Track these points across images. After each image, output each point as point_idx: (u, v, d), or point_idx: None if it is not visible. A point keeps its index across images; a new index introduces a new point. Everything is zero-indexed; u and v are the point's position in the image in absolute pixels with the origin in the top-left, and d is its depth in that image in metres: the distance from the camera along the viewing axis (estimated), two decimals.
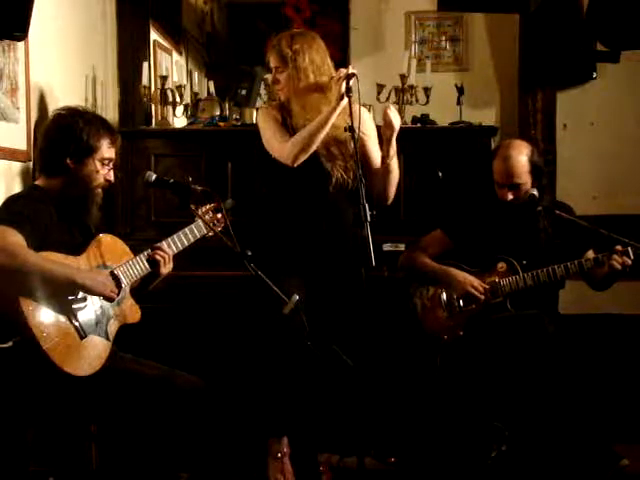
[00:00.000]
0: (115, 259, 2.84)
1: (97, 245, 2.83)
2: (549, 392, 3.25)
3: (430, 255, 3.56)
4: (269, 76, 4.54)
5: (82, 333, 2.67)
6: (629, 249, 3.28)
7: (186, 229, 3.00)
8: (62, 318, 2.62)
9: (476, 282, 3.44)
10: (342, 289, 3.30)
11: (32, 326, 2.53)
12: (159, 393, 2.77)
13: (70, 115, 2.85)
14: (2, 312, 2.56)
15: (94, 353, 2.70)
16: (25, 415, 2.72)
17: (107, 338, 2.77)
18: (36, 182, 2.90)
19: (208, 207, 3.04)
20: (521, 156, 3.40)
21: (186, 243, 2.99)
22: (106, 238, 2.89)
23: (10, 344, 2.54)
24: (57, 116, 2.89)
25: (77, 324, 2.66)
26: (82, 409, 2.75)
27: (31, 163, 3.46)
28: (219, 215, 3.05)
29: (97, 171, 2.83)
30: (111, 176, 2.89)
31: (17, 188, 3.33)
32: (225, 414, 3.29)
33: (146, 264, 2.89)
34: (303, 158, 3.17)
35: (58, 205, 2.81)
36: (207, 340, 3.80)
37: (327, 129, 3.15)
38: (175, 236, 2.98)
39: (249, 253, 2.77)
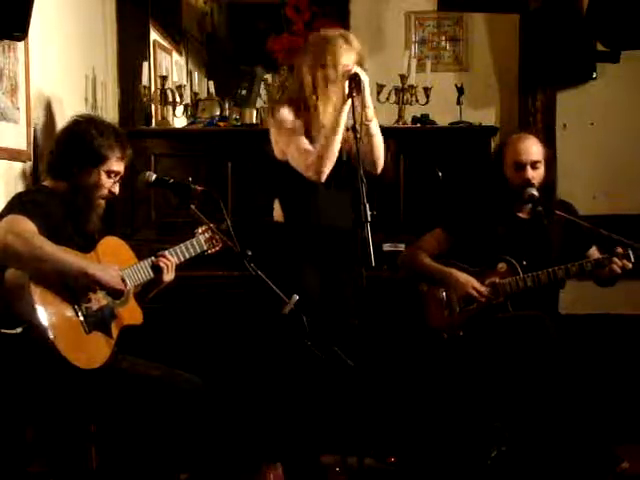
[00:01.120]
0: (120, 262, 2.85)
1: (104, 247, 2.85)
2: (549, 393, 3.25)
3: (430, 254, 3.56)
4: (269, 76, 4.55)
5: (87, 328, 2.69)
6: (630, 252, 3.28)
7: (187, 243, 3.05)
8: (69, 310, 2.65)
9: (477, 284, 3.44)
10: (344, 289, 3.31)
11: (40, 314, 2.55)
12: (159, 393, 2.77)
13: (85, 123, 2.89)
14: (12, 298, 2.58)
15: (98, 348, 2.73)
16: (27, 403, 2.73)
17: (110, 336, 2.79)
18: (43, 183, 2.92)
19: (205, 228, 3.06)
20: (535, 139, 3.52)
21: (187, 256, 3.04)
22: (112, 241, 2.92)
23: (19, 330, 2.56)
24: (73, 122, 2.91)
25: (83, 318, 2.68)
26: (83, 407, 2.75)
27: (31, 163, 3.46)
28: (216, 235, 3.06)
29: (102, 182, 2.86)
30: (116, 189, 2.91)
31: (17, 188, 3.33)
32: (225, 414, 3.30)
33: (150, 270, 2.92)
34: (329, 169, 3.19)
35: (65, 205, 2.82)
36: (207, 340, 3.80)
37: (341, 132, 3.16)
38: (177, 248, 3.02)
39: (249, 253, 2.77)
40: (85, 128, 2.86)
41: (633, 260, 3.29)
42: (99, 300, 2.75)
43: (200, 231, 3.09)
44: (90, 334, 2.70)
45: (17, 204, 2.72)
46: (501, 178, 3.51)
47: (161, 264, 2.93)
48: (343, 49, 3.25)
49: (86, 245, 2.83)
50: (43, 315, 2.56)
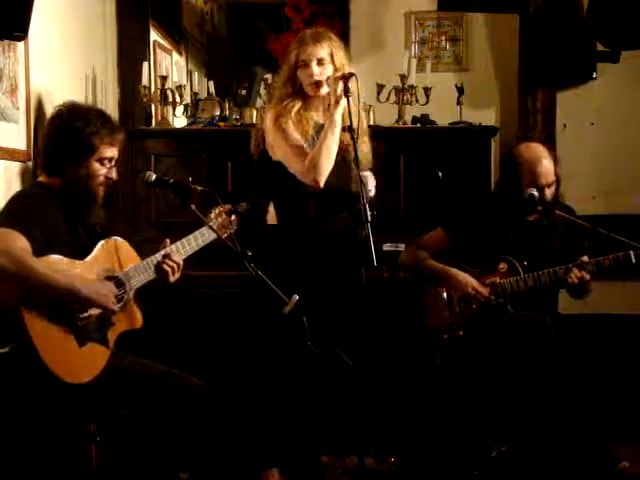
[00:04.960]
0: (122, 263, 2.80)
1: (104, 248, 2.78)
2: (549, 392, 3.25)
3: (431, 253, 3.56)
4: (269, 76, 4.55)
5: (81, 340, 2.63)
6: (631, 253, 3.28)
7: (197, 233, 2.93)
8: (62, 325, 2.59)
9: (477, 283, 3.44)
10: (342, 290, 3.30)
11: (31, 333, 2.49)
12: (158, 393, 2.76)
13: (68, 114, 2.80)
14: (1, 316, 2.53)
15: (92, 360, 2.67)
16: (23, 418, 2.70)
17: (107, 345, 2.73)
18: (39, 179, 2.87)
19: (221, 209, 2.99)
20: (548, 155, 3.47)
21: (196, 248, 2.93)
22: (114, 242, 2.84)
23: (6, 350, 2.51)
24: (56, 115, 2.83)
25: (77, 331, 2.62)
26: (81, 408, 2.73)
27: (31, 163, 3.46)
28: (232, 217, 3.00)
29: (96, 171, 2.78)
30: (113, 174, 2.83)
31: (17, 188, 3.32)
32: (225, 415, 3.29)
33: (153, 271, 2.84)
34: (327, 174, 3.13)
35: (62, 204, 2.78)
36: (206, 341, 3.80)
37: (337, 133, 3.12)
38: (185, 240, 2.92)
39: (249, 253, 2.77)
40: (70, 120, 2.77)
41: (634, 261, 3.29)
42: (94, 310, 2.66)
43: (213, 215, 2.98)
44: (84, 347, 2.63)
45: (9, 214, 2.65)
46: (516, 191, 3.47)
47: (165, 267, 2.84)
48: (311, 42, 3.23)
49: (90, 242, 2.78)
50: (33, 333, 2.49)
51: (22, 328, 2.49)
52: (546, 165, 3.43)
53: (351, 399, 3.08)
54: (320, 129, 3.21)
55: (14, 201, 2.76)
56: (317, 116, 3.28)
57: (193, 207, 2.86)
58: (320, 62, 3.22)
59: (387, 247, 3.92)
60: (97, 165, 2.79)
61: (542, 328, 3.27)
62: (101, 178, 2.81)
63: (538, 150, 3.49)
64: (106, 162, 2.81)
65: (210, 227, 2.87)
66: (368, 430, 3.20)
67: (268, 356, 3.28)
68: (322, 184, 3.14)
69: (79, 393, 2.65)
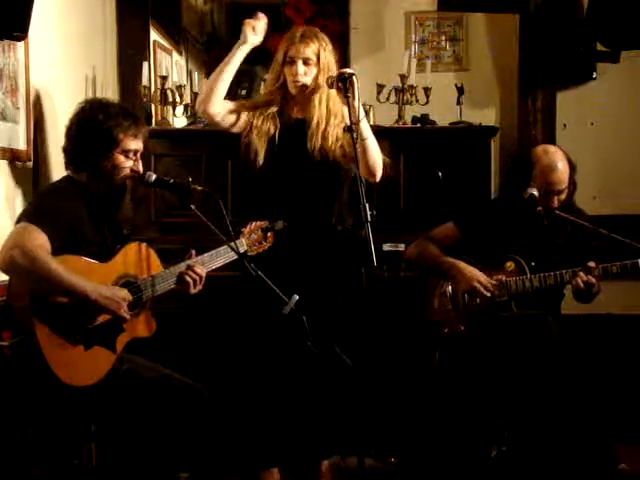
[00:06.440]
0: (143, 270, 2.78)
1: (126, 253, 2.77)
2: (549, 392, 3.25)
3: (440, 246, 3.55)
4: (268, 75, 4.55)
5: (88, 343, 2.62)
6: (638, 261, 3.26)
7: (226, 247, 2.88)
8: (70, 326, 2.58)
9: (483, 278, 3.43)
10: (340, 290, 3.30)
11: (38, 331, 2.50)
12: (158, 396, 2.76)
13: (90, 109, 2.82)
14: (12, 310, 2.54)
15: (96, 365, 2.66)
16: (23, 413, 2.70)
17: (113, 350, 2.72)
18: (69, 174, 2.86)
19: (257, 225, 2.98)
20: (564, 163, 3.44)
21: (222, 262, 2.91)
22: (137, 247, 2.81)
23: (6, 343, 2.52)
24: (79, 111, 2.85)
25: (84, 334, 2.61)
26: (80, 409, 2.73)
27: (31, 163, 3.45)
28: (268, 234, 2.99)
29: (121, 164, 2.78)
30: (138, 167, 2.83)
31: (17, 188, 3.32)
32: (225, 414, 3.29)
33: (174, 281, 2.82)
34: (210, 104, 3.23)
35: (89, 201, 2.77)
36: (206, 340, 3.80)
37: (229, 70, 3.26)
38: (213, 252, 2.90)
39: (249, 253, 2.76)
40: (92, 114, 2.79)
41: None
42: (105, 315, 2.65)
43: (247, 230, 2.98)
44: (90, 350, 2.63)
45: (32, 209, 2.66)
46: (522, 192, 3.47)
47: (187, 278, 2.82)
48: (300, 40, 3.25)
49: (114, 243, 2.77)
50: (40, 332, 2.49)
51: (29, 325, 2.49)
52: (560, 173, 3.40)
53: (351, 399, 3.08)
54: (295, 124, 3.28)
55: (39, 196, 2.80)
56: (295, 113, 3.32)
57: (193, 207, 2.84)
58: (306, 62, 3.23)
59: (387, 247, 3.92)
60: (122, 158, 2.79)
61: (544, 328, 3.27)
62: (127, 171, 2.81)
63: (556, 156, 3.45)
64: (131, 154, 2.81)
65: (229, 245, 2.81)
66: (368, 430, 3.20)
67: (268, 356, 3.27)
68: (201, 112, 3.31)
69: (80, 394, 2.64)
